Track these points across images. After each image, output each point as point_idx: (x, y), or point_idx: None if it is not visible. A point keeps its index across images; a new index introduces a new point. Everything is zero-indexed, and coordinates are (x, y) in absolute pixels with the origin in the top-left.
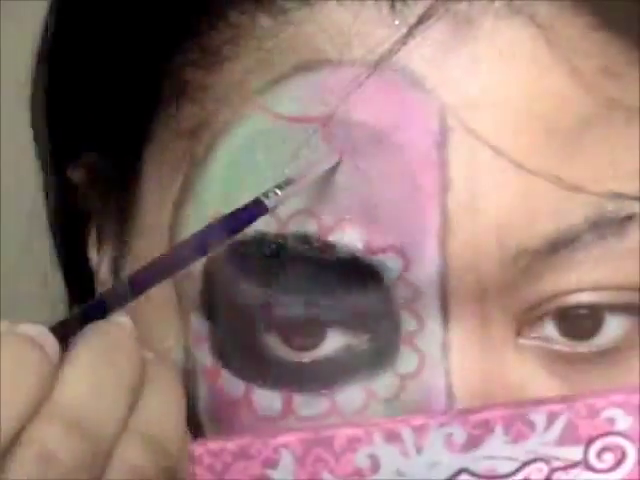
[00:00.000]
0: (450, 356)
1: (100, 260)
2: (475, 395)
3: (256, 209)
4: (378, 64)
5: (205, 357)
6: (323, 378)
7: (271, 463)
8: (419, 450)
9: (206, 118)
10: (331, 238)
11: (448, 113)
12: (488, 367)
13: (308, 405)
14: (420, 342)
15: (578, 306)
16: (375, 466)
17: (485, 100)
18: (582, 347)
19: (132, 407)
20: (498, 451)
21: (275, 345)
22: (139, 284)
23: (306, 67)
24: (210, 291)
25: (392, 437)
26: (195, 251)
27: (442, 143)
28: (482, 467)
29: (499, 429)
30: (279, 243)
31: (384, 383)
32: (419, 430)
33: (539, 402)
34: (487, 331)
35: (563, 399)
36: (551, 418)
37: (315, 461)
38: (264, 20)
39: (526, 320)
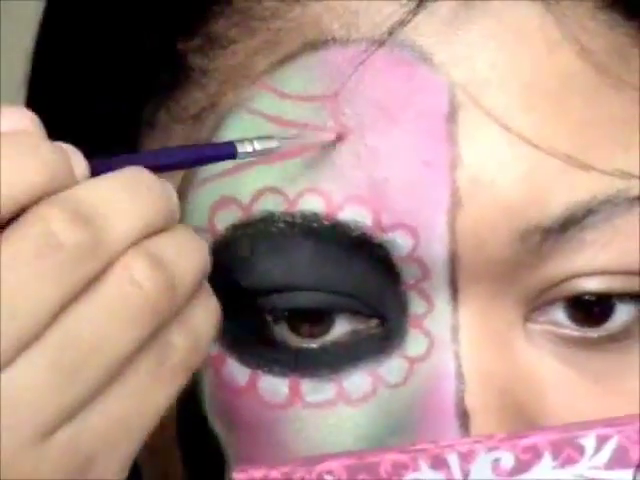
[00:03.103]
0: (460, 338)
1: None
2: (485, 379)
3: (226, 150)
4: (386, 38)
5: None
6: (330, 363)
7: None
8: (465, 475)
9: (210, 102)
10: (340, 216)
11: (457, 89)
12: (497, 350)
13: (315, 391)
14: (429, 324)
15: (586, 293)
16: None
17: (494, 76)
18: (591, 332)
19: (149, 235)
20: (546, 476)
21: (282, 332)
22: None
23: (313, 46)
24: (215, 275)
25: (438, 463)
26: (160, 162)
27: (451, 119)
28: None
29: (548, 454)
30: (287, 222)
31: (392, 367)
32: (466, 455)
33: (588, 425)
34: (496, 313)
35: (612, 422)
36: (601, 442)
37: None
38: (271, 2)
39: (535, 305)
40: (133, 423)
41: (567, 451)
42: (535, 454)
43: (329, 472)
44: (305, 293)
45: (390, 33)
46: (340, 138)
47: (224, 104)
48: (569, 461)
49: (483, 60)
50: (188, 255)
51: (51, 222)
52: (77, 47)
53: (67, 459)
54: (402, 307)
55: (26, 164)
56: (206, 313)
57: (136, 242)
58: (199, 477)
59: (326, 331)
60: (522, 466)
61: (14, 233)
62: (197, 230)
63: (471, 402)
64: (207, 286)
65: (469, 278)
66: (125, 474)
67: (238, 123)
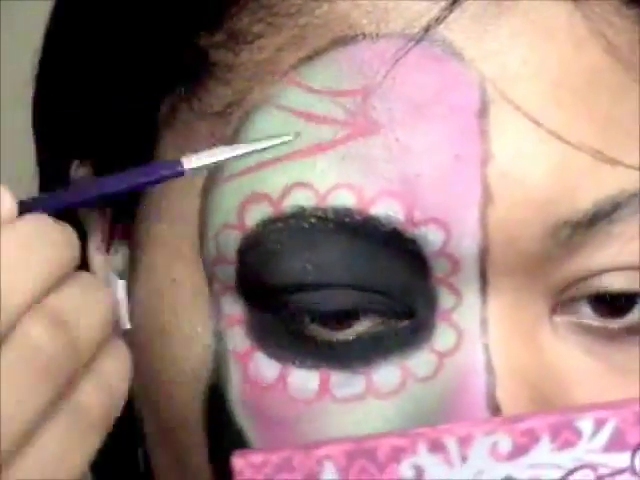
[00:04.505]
0: (489, 331)
1: (106, 260)
2: (515, 372)
3: (172, 168)
4: (421, 36)
5: (238, 340)
6: (360, 356)
7: (314, 475)
8: (464, 459)
9: (236, 97)
10: (372, 211)
11: (488, 84)
12: (526, 343)
13: (345, 384)
14: (458, 318)
15: (611, 292)
16: (419, 476)
17: (523, 72)
18: (612, 323)
19: (49, 291)
20: (544, 459)
21: (312, 325)
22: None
23: (342, 42)
24: (245, 271)
25: (436, 447)
26: (102, 192)
27: (482, 114)
28: (527, 475)
29: (545, 437)
30: (318, 217)
31: (421, 361)
32: (464, 439)
33: (585, 409)
34: (524, 307)
35: (609, 405)
36: (598, 425)
37: (359, 472)
38: None
39: (560, 300)
40: None
41: (565, 434)
42: (532, 437)
43: (328, 457)
44: (335, 292)
45: (427, 30)
46: (368, 132)
47: (250, 100)
48: (567, 444)
49: (513, 56)
50: (90, 308)
51: (28, 327)
52: (93, 42)
53: None
54: (431, 301)
55: None
56: (116, 364)
57: (37, 299)
58: (225, 473)
59: (353, 324)
60: (520, 449)
61: None
62: (225, 226)
63: (502, 395)
64: (114, 335)
65: (499, 272)
66: None
67: (266, 119)
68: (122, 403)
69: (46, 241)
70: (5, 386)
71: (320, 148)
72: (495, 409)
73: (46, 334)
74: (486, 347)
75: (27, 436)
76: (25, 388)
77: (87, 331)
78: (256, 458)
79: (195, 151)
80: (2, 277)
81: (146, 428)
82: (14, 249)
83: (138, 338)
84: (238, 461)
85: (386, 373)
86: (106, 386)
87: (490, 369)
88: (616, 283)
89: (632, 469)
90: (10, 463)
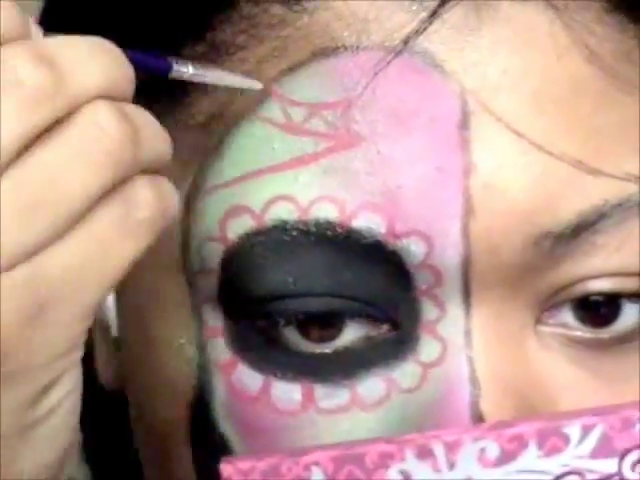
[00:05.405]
0: (473, 343)
1: None
2: (499, 382)
3: (160, 63)
4: (401, 48)
5: (220, 351)
6: (343, 369)
7: None
8: (451, 466)
9: (219, 109)
10: (354, 224)
11: (469, 96)
12: (510, 354)
13: (329, 396)
14: (442, 329)
15: (597, 293)
16: None
17: (504, 83)
18: (603, 333)
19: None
20: (531, 465)
21: (293, 337)
22: None
23: (323, 54)
24: (228, 283)
25: (424, 453)
26: None
27: (463, 126)
28: None
29: (533, 443)
30: (301, 230)
31: (406, 372)
32: (452, 446)
33: (573, 415)
34: (508, 317)
35: (597, 411)
36: (586, 431)
37: (347, 478)
38: (278, 10)
39: (545, 307)
40: (94, 270)
41: (552, 440)
42: (520, 443)
43: (316, 463)
44: (317, 298)
45: (406, 42)
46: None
47: (232, 112)
48: (554, 450)
49: (494, 66)
50: (156, 124)
51: (11, 61)
52: None
53: (22, 299)
54: (415, 313)
55: None
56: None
57: (102, 97)
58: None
59: (336, 335)
60: (508, 456)
61: None
62: (208, 239)
63: (486, 406)
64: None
65: (482, 283)
66: (84, 325)
67: (247, 131)
68: (171, 219)
69: (114, 54)
70: (66, 159)
71: (302, 161)
72: (479, 420)
73: (112, 120)
74: (470, 358)
75: (78, 214)
76: (84, 165)
77: (152, 139)
78: (244, 464)
79: (182, 161)
80: (73, 63)
81: (135, 435)
82: (84, 48)
83: (125, 347)
84: (226, 467)
85: (370, 385)
86: (160, 192)
87: (474, 380)
88: (602, 285)
89: (620, 475)
90: (59, 237)
